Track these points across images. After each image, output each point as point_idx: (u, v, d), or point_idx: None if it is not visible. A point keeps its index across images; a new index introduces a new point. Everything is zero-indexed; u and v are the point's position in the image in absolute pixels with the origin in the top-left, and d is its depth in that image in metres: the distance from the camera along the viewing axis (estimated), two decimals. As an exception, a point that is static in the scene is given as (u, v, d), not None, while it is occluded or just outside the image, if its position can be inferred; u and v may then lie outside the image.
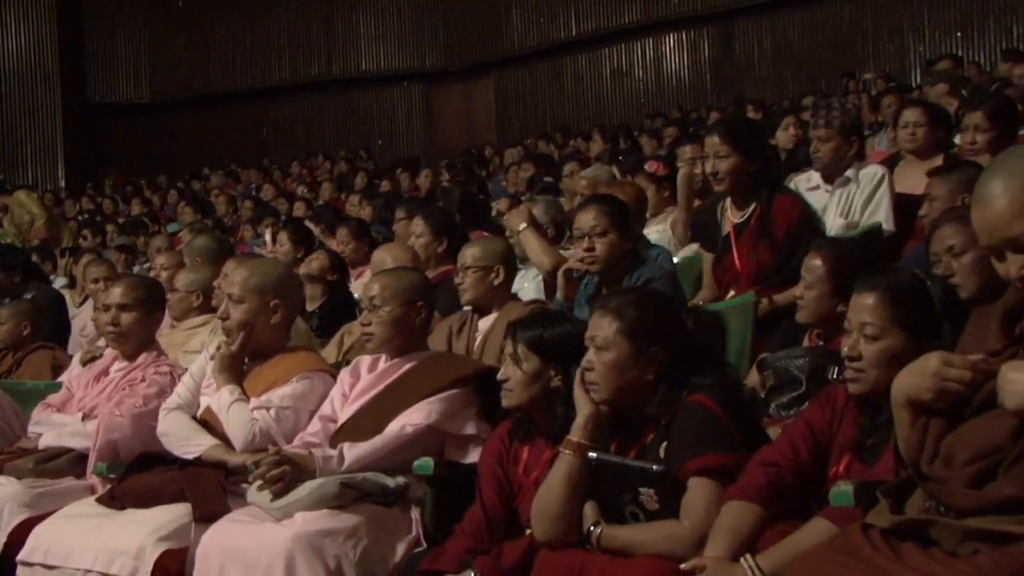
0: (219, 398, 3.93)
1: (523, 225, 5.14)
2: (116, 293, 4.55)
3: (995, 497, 2.14)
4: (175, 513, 3.64)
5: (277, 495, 3.46)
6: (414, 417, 3.64)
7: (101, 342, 5.19)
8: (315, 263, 6.08)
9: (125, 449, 4.14)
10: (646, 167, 7.01)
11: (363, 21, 21.53)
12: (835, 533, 2.41)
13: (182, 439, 3.94)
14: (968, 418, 2.28)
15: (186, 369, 4.31)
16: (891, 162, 6.07)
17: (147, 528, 3.58)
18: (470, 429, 3.70)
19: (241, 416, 3.84)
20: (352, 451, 3.58)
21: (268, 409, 3.85)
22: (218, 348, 4.07)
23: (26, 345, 5.86)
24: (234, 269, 4.29)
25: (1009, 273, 2.25)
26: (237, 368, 4.02)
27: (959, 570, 2.06)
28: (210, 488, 3.69)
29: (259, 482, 3.51)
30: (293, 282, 4.31)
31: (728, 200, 4.68)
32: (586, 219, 4.28)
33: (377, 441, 3.61)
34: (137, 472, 3.90)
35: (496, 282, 4.46)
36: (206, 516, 3.58)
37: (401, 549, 3.49)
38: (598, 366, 2.94)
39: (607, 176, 7.18)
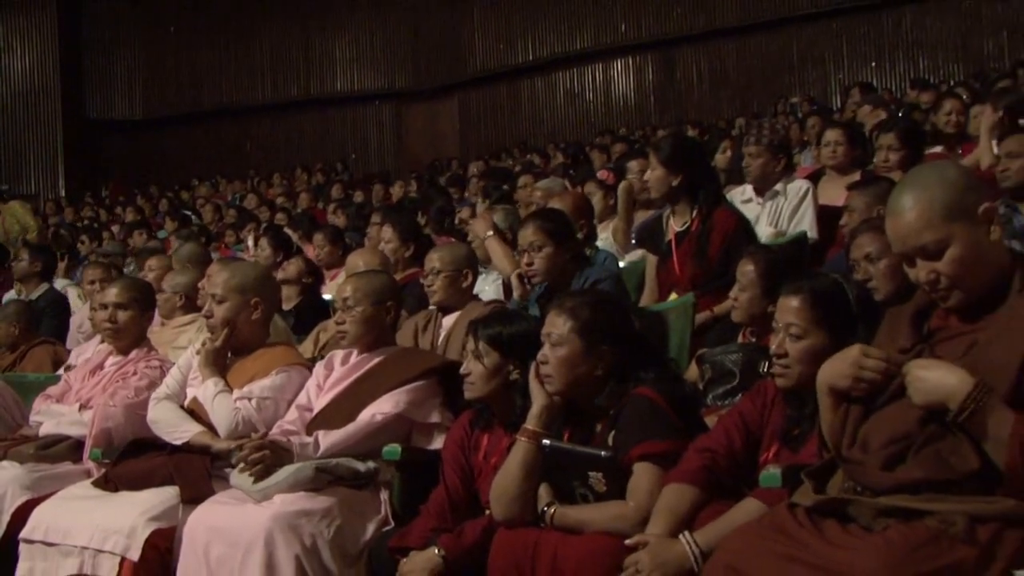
0: (204, 389, 3.91)
1: (489, 233, 5.14)
2: (112, 293, 4.52)
3: (905, 478, 2.16)
4: (164, 495, 3.62)
5: (258, 477, 3.45)
6: (384, 406, 3.63)
7: (97, 338, 5.14)
8: (292, 267, 6.06)
9: (119, 436, 4.11)
10: (598, 175, 7.02)
11: (338, 46, 21.45)
12: (764, 511, 2.42)
13: (171, 426, 3.91)
14: (882, 407, 2.30)
15: (174, 364, 4.27)
16: (815, 177, 6.11)
17: (138, 509, 3.56)
18: (435, 417, 3.69)
19: (225, 406, 3.82)
20: (327, 438, 3.56)
21: (250, 399, 3.83)
22: (203, 344, 4.04)
23: (22, 342, 5.82)
24: (217, 271, 4.25)
25: (919, 277, 2.28)
26: (220, 362, 3.99)
27: (872, 543, 2.08)
28: (196, 473, 3.67)
29: (241, 465, 3.50)
30: (270, 282, 4.30)
31: (671, 210, 4.70)
32: (526, 235, 4.28)
33: (350, 428, 3.60)
34: (129, 457, 3.87)
35: (464, 284, 4.46)
36: (192, 498, 3.57)
37: (371, 528, 3.48)
38: (552, 360, 2.93)
39: (559, 187, 7.18)
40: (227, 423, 3.79)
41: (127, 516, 3.55)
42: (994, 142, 5.38)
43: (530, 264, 4.25)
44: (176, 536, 3.51)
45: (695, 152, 4.81)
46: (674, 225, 4.65)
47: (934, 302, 2.33)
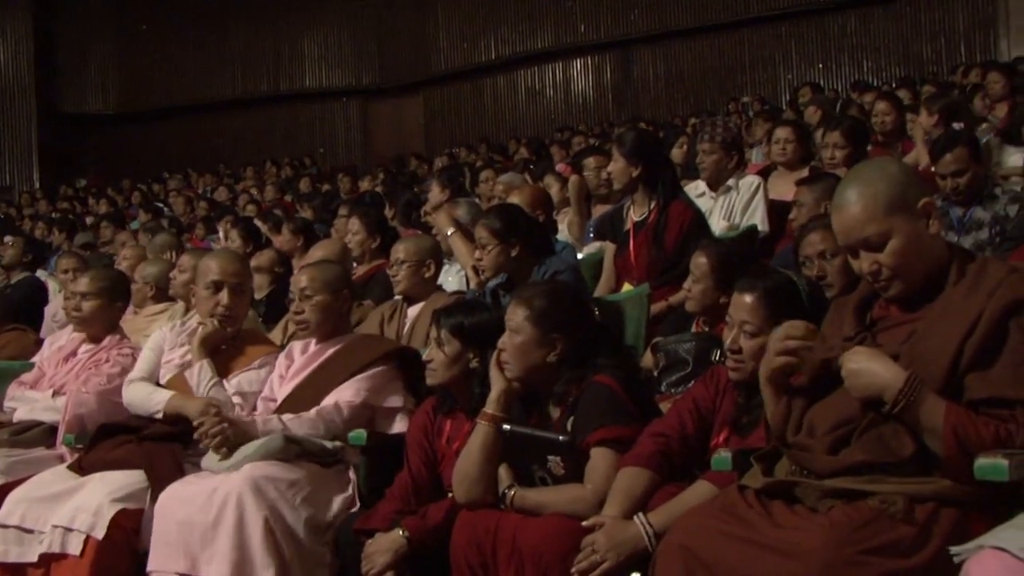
0: (199, 373, 3.84)
1: (451, 230, 5.13)
2: (82, 283, 4.48)
3: (849, 461, 2.19)
4: (133, 477, 3.60)
5: (223, 455, 3.42)
6: (345, 395, 3.61)
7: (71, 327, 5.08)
8: (264, 257, 6.01)
9: (91, 422, 4.06)
10: (556, 168, 7.02)
11: (307, 43, 21.30)
12: (715, 493, 2.44)
13: (145, 402, 3.88)
14: (826, 394, 2.32)
15: (146, 350, 4.22)
16: (765, 173, 6.15)
17: (106, 489, 3.54)
18: (396, 402, 3.67)
19: (221, 400, 3.77)
20: (292, 422, 3.54)
21: (243, 396, 3.84)
22: (201, 325, 3.98)
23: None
24: (229, 263, 4.12)
25: (862, 268, 2.31)
26: (216, 346, 3.94)
27: (817, 523, 2.10)
28: (166, 462, 3.63)
29: (210, 445, 3.47)
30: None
31: (631, 199, 4.72)
32: (477, 234, 4.30)
33: (313, 415, 3.57)
34: (101, 442, 3.82)
35: (427, 275, 4.46)
36: (162, 488, 3.52)
37: (337, 504, 3.45)
38: (509, 347, 2.96)
39: (520, 181, 7.18)
40: None
41: (94, 496, 3.53)
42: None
43: (480, 260, 4.28)
44: (144, 518, 3.49)
45: (654, 145, 4.86)
46: (633, 215, 4.69)
47: (876, 293, 2.36)
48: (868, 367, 2.18)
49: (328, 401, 3.61)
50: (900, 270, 2.27)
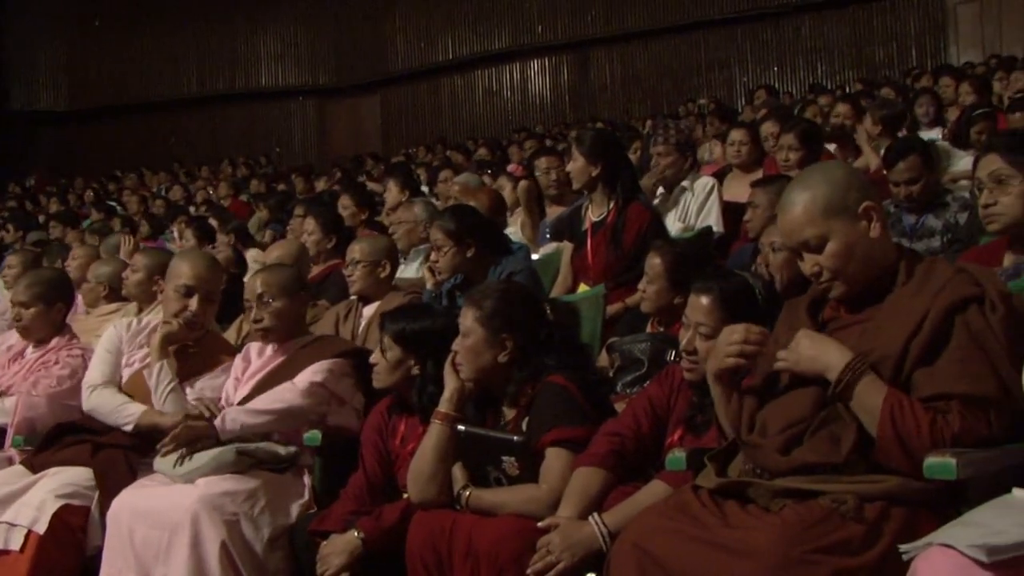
0: (159, 375, 3.80)
1: None
2: (18, 292, 4.42)
3: (800, 461, 2.21)
4: (81, 475, 3.57)
5: (179, 457, 3.39)
6: (303, 375, 3.61)
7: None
8: (221, 256, 5.95)
9: (42, 425, 4.02)
10: (509, 169, 7.04)
11: (263, 42, 21.16)
12: (670, 493, 2.45)
13: (114, 413, 3.81)
14: (778, 394, 2.34)
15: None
16: (720, 174, 6.19)
17: (51, 485, 3.53)
18: (350, 395, 3.67)
19: (179, 406, 3.73)
20: (254, 404, 3.55)
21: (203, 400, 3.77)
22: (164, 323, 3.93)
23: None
24: (198, 264, 4.07)
25: (806, 270, 2.34)
26: (177, 346, 3.90)
27: (769, 522, 2.11)
28: (117, 469, 3.59)
29: (164, 449, 3.44)
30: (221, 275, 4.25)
31: (590, 199, 4.73)
32: (432, 235, 4.30)
33: (270, 393, 3.57)
34: (52, 443, 3.78)
35: (382, 275, 4.45)
36: (113, 490, 3.48)
37: (295, 510, 3.44)
38: (461, 349, 2.98)
39: (476, 182, 7.19)
40: None
41: (40, 491, 3.51)
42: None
43: (435, 262, 4.27)
44: (91, 517, 3.47)
45: (614, 145, 4.88)
46: (591, 215, 4.69)
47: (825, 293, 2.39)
48: (816, 345, 2.24)
49: (285, 383, 3.60)
50: (840, 272, 2.31)
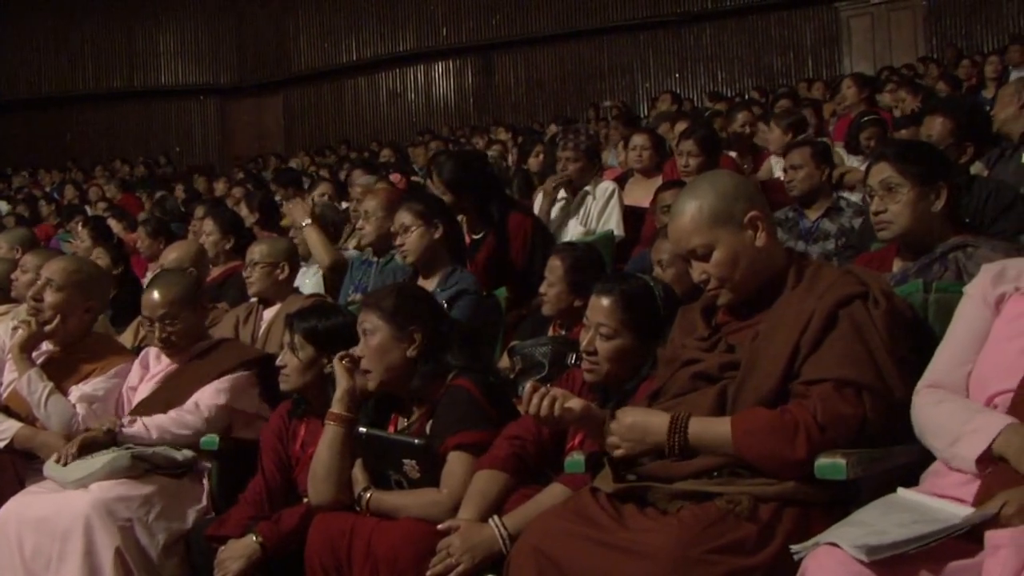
0: (30, 385, 3.68)
1: (307, 221, 5.05)
2: None
3: (697, 465, 2.24)
4: None
5: (69, 462, 3.31)
6: (206, 396, 3.54)
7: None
8: (100, 262, 5.76)
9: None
10: (391, 178, 7.03)
11: (163, 38, 20.74)
12: (569, 496, 2.46)
13: None
14: (675, 399, 2.37)
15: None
16: (622, 179, 6.26)
17: None
18: (254, 408, 3.62)
19: (60, 409, 3.64)
20: (152, 422, 3.47)
21: (91, 404, 3.69)
22: (15, 329, 3.82)
23: None
24: (57, 259, 3.99)
25: (694, 277, 2.39)
26: (34, 348, 3.80)
27: (666, 523, 2.14)
28: (4, 478, 3.50)
29: (56, 455, 3.36)
30: (107, 281, 4.19)
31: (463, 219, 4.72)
32: (399, 219, 4.18)
33: (173, 414, 3.50)
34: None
35: (281, 277, 4.38)
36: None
37: (192, 516, 3.39)
38: (367, 351, 2.93)
39: (373, 183, 7.14)
40: (63, 425, 3.63)
41: None
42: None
43: (400, 244, 4.17)
44: None
45: (475, 169, 4.82)
46: (470, 233, 4.68)
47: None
48: (636, 420, 2.29)
49: (189, 403, 3.54)
50: (726, 280, 2.36)
